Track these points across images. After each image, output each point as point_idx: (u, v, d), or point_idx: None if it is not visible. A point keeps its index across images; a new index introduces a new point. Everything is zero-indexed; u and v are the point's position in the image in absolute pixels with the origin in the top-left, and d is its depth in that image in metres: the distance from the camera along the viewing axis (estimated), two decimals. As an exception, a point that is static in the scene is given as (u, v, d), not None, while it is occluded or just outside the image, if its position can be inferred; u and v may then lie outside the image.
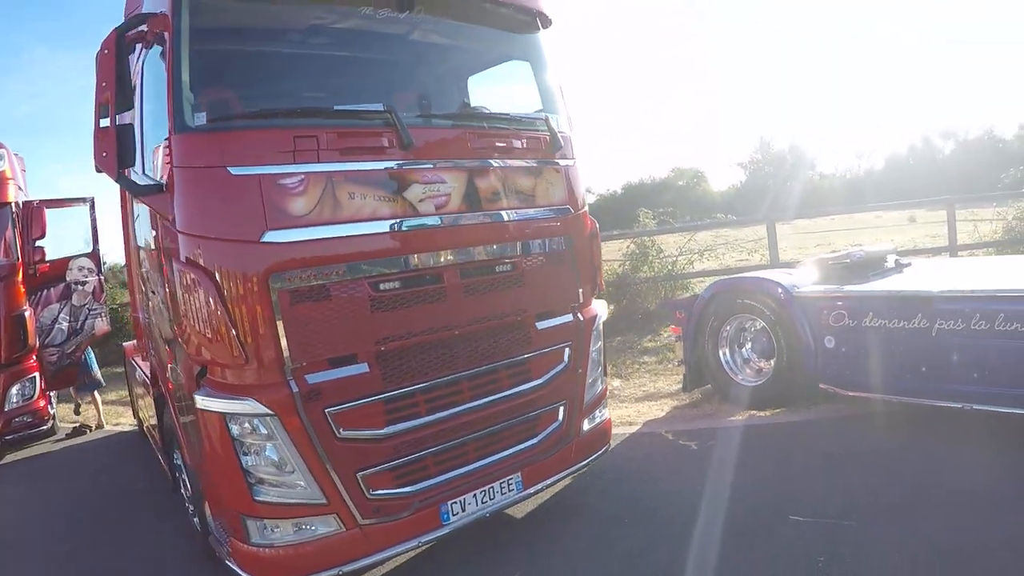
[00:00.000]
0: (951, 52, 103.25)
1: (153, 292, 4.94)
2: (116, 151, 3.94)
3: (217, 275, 3.82)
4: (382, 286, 4.17)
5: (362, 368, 4.12)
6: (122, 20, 4.71)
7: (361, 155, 4.14)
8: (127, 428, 10.46)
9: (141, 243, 5.31)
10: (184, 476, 5.15)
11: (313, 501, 4.00)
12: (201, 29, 3.94)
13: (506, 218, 4.76)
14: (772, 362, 7.28)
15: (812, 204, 40.98)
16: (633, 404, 8.28)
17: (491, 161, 4.71)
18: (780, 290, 7.10)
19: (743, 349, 7.70)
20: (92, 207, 10.68)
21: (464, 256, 4.54)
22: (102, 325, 10.84)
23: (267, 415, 3.86)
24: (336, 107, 4.47)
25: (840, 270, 7.13)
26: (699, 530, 4.87)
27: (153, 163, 4.31)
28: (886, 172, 63.90)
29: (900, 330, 6.21)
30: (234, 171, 3.78)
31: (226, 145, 3.83)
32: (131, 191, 4.28)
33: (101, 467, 8.47)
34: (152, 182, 4.14)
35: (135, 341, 8.89)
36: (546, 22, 5.38)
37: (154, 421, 6.47)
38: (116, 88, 3.90)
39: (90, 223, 10.68)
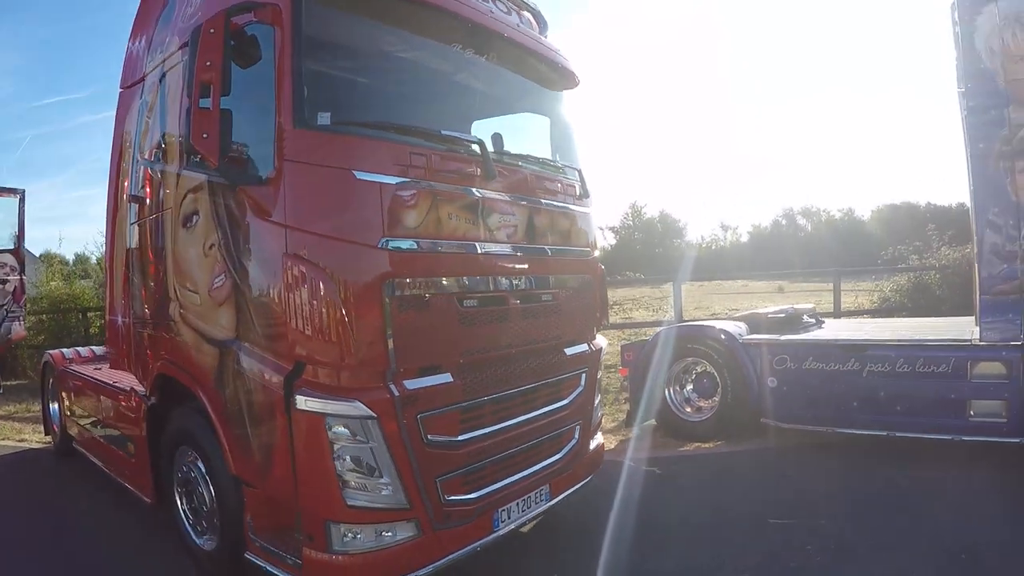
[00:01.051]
0: (817, 137, 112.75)
1: (190, 289, 4.82)
2: (219, 134, 3.96)
3: (333, 274, 3.86)
4: (466, 302, 4.50)
5: (446, 378, 4.39)
6: None
7: (459, 179, 4.49)
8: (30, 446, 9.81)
9: (167, 234, 5.13)
10: (203, 490, 4.89)
11: (398, 506, 4.05)
12: (316, 30, 4.09)
13: (550, 253, 5.31)
14: (715, 400, 8.23)
15: (680, 270, 43.70)
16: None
17: (544, 201, 5.26)
18: (727, 337, 8.10)
19: (685, 389, 8.62)
20: (22, 200, 10.05)
21: (523, 283, 5.01)
22: (19, 329, 10.19)
23: (370, 418, 3.91)
24: (443, 131, 4.62)
25: (775, 323, 8.29)
26: (687, 531, 5.65)
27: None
28: (750, 244, 69.16)
29: (836, 372, 7.32)
30: (359, 175, 3.93)
31: (353, 149, 3.98)
32: (228, 178, 4.17)
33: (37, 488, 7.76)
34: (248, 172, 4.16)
35: (68, 350, 8.73)
36: (574, 83, 6.02)
37: (127, 432, 6.09)
38: (221, 70, 3.93)
39: (17, 217, 10.07)
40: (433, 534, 4.26)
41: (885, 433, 7.07)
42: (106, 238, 6.83)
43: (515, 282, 4.94)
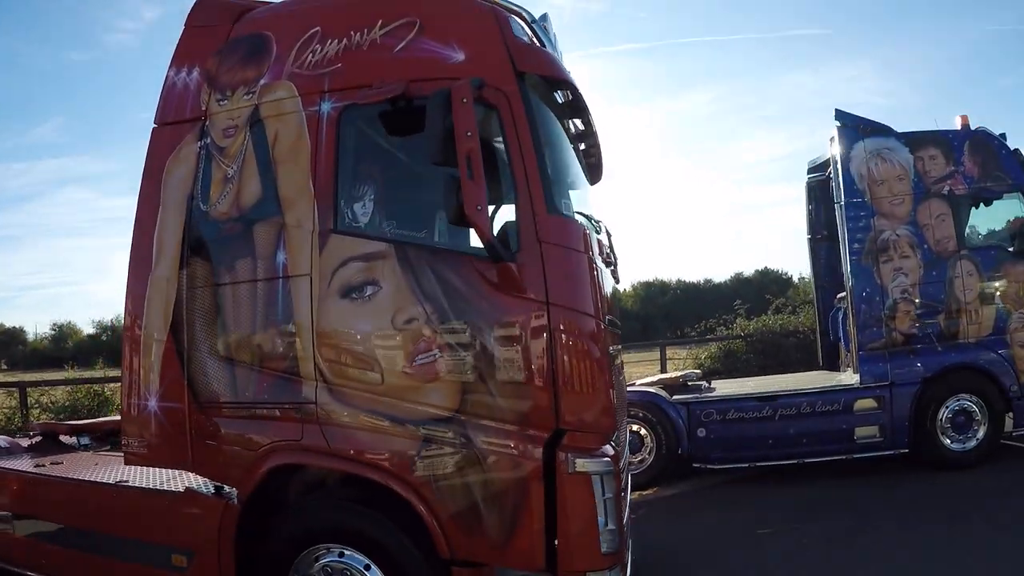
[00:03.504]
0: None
1: (374, 368, 4.31)
2: (487, 208, 3.97)
3: (589, 348, 4.14)
4: (610, 367, 4.80)
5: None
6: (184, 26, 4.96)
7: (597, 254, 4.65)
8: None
9: (300, 303, 4.45)
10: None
11: (617, 550, 4.20)
12: (539, 116, 4.30)
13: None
14: (645, 454, 9.76)
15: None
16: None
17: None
18: (660, 400, 9.78)
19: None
20: None
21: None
22: None
23: (612, 471, 4.14)
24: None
25: (684, 387, 10.20)
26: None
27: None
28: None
29: (754, 418, 9.33)
30: (591, 257, 4.28)
31: (579, 231, 4.27)
32: (493, 254, 4.01)
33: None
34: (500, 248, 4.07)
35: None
36: (599, 179, 6.45)
37: (170, 540, 4.99)
38: (479, 141, 3.92)
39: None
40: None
41: (796, 461, 9.18)
42: (130, 301, 5.02)
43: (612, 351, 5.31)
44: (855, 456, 9.11)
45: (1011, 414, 9.19)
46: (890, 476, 9.06)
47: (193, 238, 4.79)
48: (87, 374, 20.67)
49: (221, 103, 4.80)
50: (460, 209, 3.87)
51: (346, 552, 4.33)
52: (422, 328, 4.22)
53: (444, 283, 4.19)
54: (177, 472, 5.24)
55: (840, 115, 9.51)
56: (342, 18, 4.58)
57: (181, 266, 4.78)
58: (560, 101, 4.85)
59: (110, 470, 5.93)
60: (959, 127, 9.52)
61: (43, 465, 6.31)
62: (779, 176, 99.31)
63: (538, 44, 4.55)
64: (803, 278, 44.40)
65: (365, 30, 4.48)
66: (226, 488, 4.73)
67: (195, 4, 5.05)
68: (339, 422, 4.36)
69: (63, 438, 7.54)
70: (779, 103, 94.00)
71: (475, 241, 4.33)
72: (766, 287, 37.17)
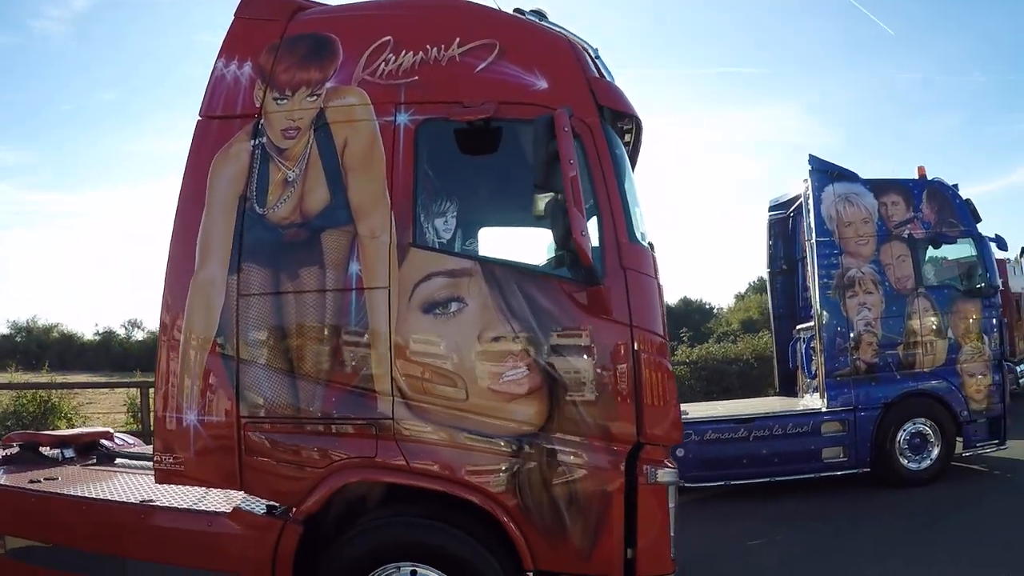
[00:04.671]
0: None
1: (445, 382, 4.32)
2: (587, 233, 4.05)
3: (666, 368, 4.36)
4: None
5: None
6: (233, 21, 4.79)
7: None
8: None
9: (378, 316, 4.37)
10: None
11: (675, 557, 4.43)
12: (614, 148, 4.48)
13: None
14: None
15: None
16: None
17: None
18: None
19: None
20: None
21: None
22: None
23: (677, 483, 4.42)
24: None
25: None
26: None
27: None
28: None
29: (730, 439, 9.97)
30: (660, 282, 4.52)
31: (651, 259, 4.47)
32: (589, 278, 4.15)
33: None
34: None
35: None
36: None
37: (205, 563, 4.66)
38: (578, 168, 4.06)
39: None
40: None
41: (768, 479, 9.86)
42: (168, 304, 4.69)
43: None
44: (822, 474, 9.87)
45: (960, 437, 10.18)
46: (855, 492, 9.85)
47: (247, 242, 4.56)
48: (31, 378, 19.92)
49: (279, 102, 4.66)
50: (566, 233, 3.96)
51: (419, 570, 4.27)
52: (510, 346, 4.28)
53: (532, 302, 4.28)
54: (205, 491, 5.06)
55: (813, 160, 10.37)
56: (416, 30, 4.60)
57: (231, 270, 4.55)
58: (623, 134, 4.95)
59: (124, 487, 5.53)
60: (917, 177, 10.52)
61: (38, 481, 5.67)
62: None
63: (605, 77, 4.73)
64: (721, 308, 46.58)
65: (442, 46, 4.50)
66: (280, 507, 4.55)
67: None
68: (419, 438, 4.31)
69: (44, 450, 6.89)
70: (710, 137, 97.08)
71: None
72: (688, 316, 38.56)
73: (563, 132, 4.01)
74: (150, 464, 6.13)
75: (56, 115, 79.73)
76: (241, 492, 4.74)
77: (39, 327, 46.71)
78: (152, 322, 56.94)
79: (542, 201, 4.36)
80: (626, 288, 4.23)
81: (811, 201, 10.24)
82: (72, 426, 14.38)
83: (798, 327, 11.70)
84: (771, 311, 12.70)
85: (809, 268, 10.37)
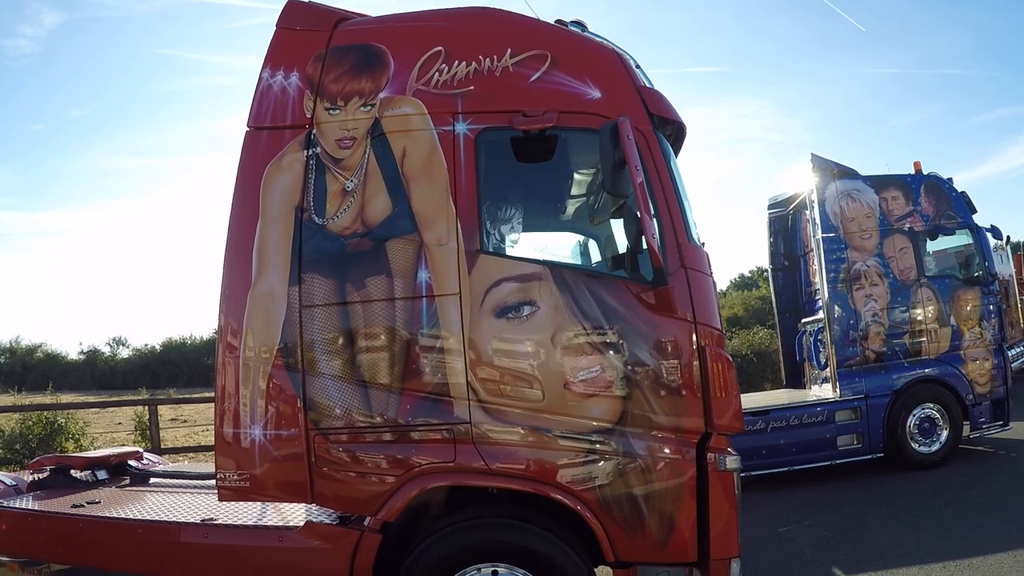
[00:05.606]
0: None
1: (523, 384, 4.44)
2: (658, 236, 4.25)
3: (726, 361, 4.51)
4: None
5: None
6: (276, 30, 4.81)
7: None
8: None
9: (449, 321, 4.46)
10: None
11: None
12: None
13: None
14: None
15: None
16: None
17: None
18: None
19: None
20: None
21: None
22: None
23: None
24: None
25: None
26: None
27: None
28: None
29: (748, 431, 10.25)
30: (714, 279, 4.72)
31: (709, 259, 4.69)
32: (658, 279, 4.29)
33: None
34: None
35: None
36: None
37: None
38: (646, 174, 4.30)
39: None
40: None
41: (787, 468, 10.24)
42: (226, 317, 4.68)
43: None
44: (837, 461, 10.27)
45: (967, 420, 10.64)
46: (868, 477, 10.27)
47: (307, 252, 4.59)
48: (35, 399, 19.80)
49: (331, 112, 4.69)
50: (639, 236, 4.19)
51: (500, 569, 4.36)
52: (583, 346, 4.42)
53: (601, 303, 4.43)
54: (261, 506, 5.14)
55: (815, 159, 10.77)
56: (467, 41, 4.69)
57: (292, 282, 4.57)
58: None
59: (176, 507, 5.51)
60: (913, 172, 10.96)
61: (80, 505, 5.62)
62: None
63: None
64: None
65: (495, 56, 4.60)
66: (352, 517, 4.62)
67: (286, 6, 4.90)
68: (497, 440, 4.41)
69: (75, 473, 6.73)
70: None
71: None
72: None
73: (627, 140, 4.18)
74: (189, 483, 6.59)
75: (26, 134, 78.78)
76: (301, 505, 4.91)
77: (22, 347, 46.25)
78: (136, 338, 56.25)
79: (600, 207, 4.67)
80: (688, 286, 4.41)
81: (815, 198, 10.64)
82: (80, 447, 14.47)
83: (803, 320, 12.09)
84: (774, 307, 13.05)
85: (816, 263, 10.75)
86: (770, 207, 12.96)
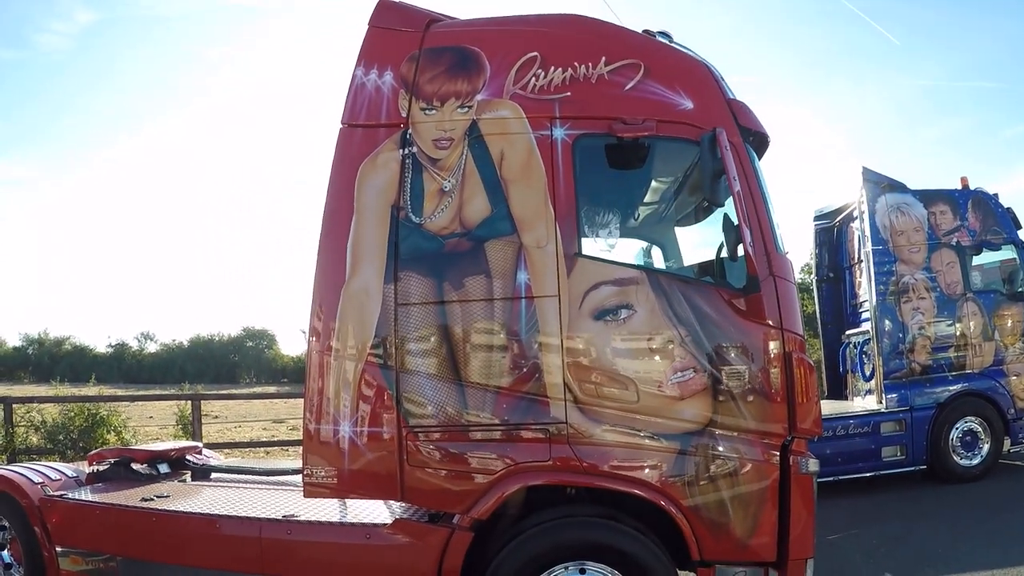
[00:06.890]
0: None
1: (618, 386, 4.53)
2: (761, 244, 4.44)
3: (811, 363, 4.61)
4: None
5: None
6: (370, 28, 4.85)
7: None
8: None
9: (548, 322, 4.52)
10: None
11: None
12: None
13: None
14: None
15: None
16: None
17: None
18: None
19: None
20: None
21: None
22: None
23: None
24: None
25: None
26: None
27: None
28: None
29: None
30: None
31: (790, 266, 4.77)
32: (751, 286, 4.45)
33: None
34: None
35: (27, 470, 6.19)
36: None
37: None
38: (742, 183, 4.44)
39: None
40: None
41: (833, 479, 10.36)
42: (318, 314, 4.73)
43: None
44: (882, 472, 10.42)
45: (1007, 435, 10.78)
46: (910, 489, 10.40)
47: (403, 251, 4.63)
48: (76, 390, 20.12)
49: (427, 112, 4.74)
50: (736, 244, 4.38)
51: (587, 567, 4.43)
52: (677, 349, 4.53)
53: (695, 309, 4.54)
54: (339, 503, 5.21)
55: (866, 172, 10.90)
56: (562, 47, 4.76)
57: (387, 279, 4.61)
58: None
59: (253, 502, 5.54)
60: (960, 187, 11.10)
61: (150, 499, 5.70)
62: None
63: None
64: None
65: (590, 64, 4.68)
66: (440, 515, 4.70)
67: (378, 5, 4.94)
68: (592, 440, 4.49)
69: (135, 466, 6.83)
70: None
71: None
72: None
73: (724, 150, 4.34)
74: (253, 478, 6.71)
75: (60, 129, 79.70)
76: (379, 504, 5.05)
77: (51, 339, 46.54)
78: (162, 333, 56.52)
79: (685, 215, 4.85)
80: (776, 294, 4.53)
81: (865, 211, 10.78)
82: (121, 439, 14.78)
83: (847, 332, 12.20)
84: (818, 318, 13.12)
85: (866, 276, 10.90)
86: (816, 219, 13.05)
